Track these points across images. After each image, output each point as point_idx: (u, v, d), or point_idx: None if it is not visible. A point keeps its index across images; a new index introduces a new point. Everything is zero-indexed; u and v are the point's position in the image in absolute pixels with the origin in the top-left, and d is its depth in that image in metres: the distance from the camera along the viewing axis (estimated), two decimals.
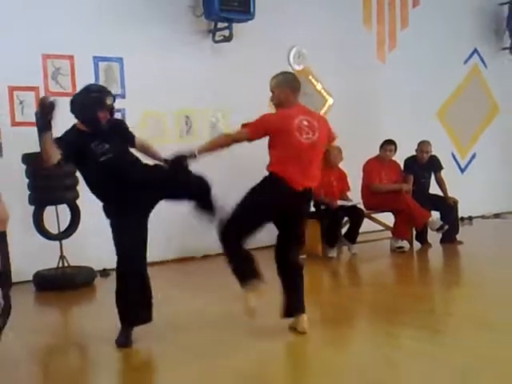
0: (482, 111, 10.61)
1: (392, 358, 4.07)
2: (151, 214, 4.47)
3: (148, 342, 4.48)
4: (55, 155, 4.07)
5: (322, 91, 8.89)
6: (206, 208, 4.61)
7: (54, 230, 6.50)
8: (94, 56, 7.04)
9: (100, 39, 6.98)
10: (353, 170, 7.97)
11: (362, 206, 7.88)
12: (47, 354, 4.67)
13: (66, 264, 6.55)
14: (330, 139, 4.74)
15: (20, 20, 6.47)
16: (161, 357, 4.33)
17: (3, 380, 3.20)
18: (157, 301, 4.57)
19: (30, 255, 6.19)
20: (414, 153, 8.23)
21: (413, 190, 8.01)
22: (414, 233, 8.08)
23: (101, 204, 4.45)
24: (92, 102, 4.27)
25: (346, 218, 7.78)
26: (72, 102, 4.34)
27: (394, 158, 8.13)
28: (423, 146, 8.17)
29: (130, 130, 4.60)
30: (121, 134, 4.50)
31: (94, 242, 6.51)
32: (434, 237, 8.00)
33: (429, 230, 7.96)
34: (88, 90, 4.39)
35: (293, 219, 4.55)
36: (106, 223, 4.42)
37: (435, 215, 7.98)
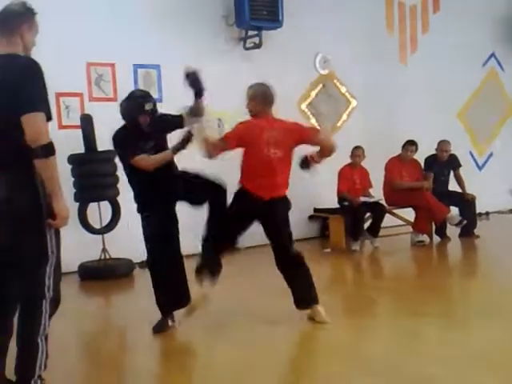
0: (499, 112, 10.64)
1: (414, 345, 4.18)
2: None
3: (184, 328, 4.65)
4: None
5: (347, 94, 9.02)
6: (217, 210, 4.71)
7: (96, 225, 6.78)
8: (133, 63, 7.32)
9: (139, 48, 7.19)
10: (375, 168, 8.06)
11: (383, 202, 7.97)
12: (92, 337, 4.90)
13: (107, 256, 6.84)
14: (311, 136, 4.68)
15: (67, 31, 6.65)
16: (197, 342, 4.51)
17: (53, 361, 3.34)
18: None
19: (75, 248, 6.22)
20: (434, 152, 8.31)
21: (433, 187, 8.08)
22: (434, 227, 8.15)
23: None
24: (132, 108, 4.48)
25: (368, 214, 7.88)
26: (120, 107, 4.59)
27: (414, 157, 8.20)
28: (443, 145, 8.24)
29: (172, 114, 4.72)
30: (164, 127, 4.67)
31: (133, 235, 6.63)
32: (452, 231, 8.08)
33: (448, 225, 8.04)
34: (131, 96, 4.60)
35: (270, 229, 4.68)
36: None
37: (454, 211, 8.09)
